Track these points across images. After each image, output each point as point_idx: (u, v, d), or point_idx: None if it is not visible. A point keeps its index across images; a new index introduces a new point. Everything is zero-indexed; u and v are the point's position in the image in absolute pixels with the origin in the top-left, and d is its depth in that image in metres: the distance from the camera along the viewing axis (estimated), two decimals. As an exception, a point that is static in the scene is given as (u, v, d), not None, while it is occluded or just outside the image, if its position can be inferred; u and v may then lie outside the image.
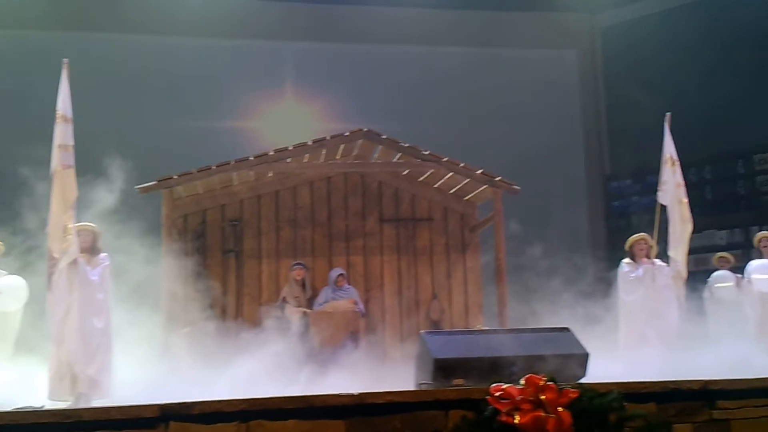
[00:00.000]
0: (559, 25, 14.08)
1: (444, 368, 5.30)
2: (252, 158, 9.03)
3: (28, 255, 6.89)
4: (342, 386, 5.75)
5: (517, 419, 4.32)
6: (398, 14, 13.30)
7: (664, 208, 7.92)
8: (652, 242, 7.93)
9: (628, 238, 8.10)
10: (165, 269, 8.14)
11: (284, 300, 9.10)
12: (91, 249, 6.37)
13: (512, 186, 9.40)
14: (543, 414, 4.33)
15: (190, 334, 8.00)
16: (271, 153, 9.11)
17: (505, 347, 5.39)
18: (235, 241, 9.62)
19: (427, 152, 9.32)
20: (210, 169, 8.92)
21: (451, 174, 9.55)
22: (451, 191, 10.10)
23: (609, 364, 6.39)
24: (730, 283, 9.19)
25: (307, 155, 9.45)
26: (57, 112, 6.02)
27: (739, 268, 9.13)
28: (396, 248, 10.00)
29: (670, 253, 7.80)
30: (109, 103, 11.26)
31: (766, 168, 13.20)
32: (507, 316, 8.92)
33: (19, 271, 7.12)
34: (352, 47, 13.21)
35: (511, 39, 13.70)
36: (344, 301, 9.09)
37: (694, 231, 7.91)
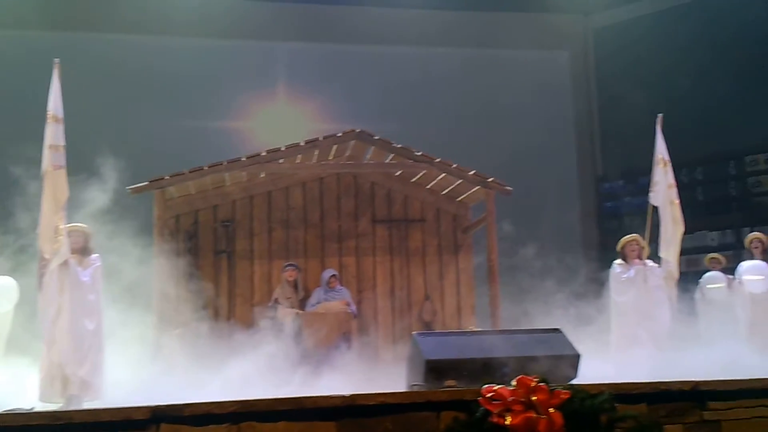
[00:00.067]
0: (552, 26, 14.10)
1: (436, 369, 5.30)
2: (244, 159, 9.03)
3: (19, 255, 6.85)
4: (334, 387, 5.76)
5: (508, 420, 4.32)
6: (390, 15, 13.31)
7: (655, 209, 7.94)
8: (644, 243, 7.94)
9: (619, 239, 8.09)
10: (157, 270, 8.12)
11: (276, 301, 9.08)
12: (82, 250, 6.34)
13: (504, 187, 9.41)
14: (534, 415, 4.34)
15: (182, 335, 7.98)
16: (264, 153, 9.10)
17: (497, 348, 5.39)
18: (227, 241, 9.60)
19: (419, 153, 9.32)
20: (202, 169, 8.90)
21: (443, 175, 9.55)
22: (444, 192, 10.11)
23: (601, 365, 6.41)
24: (722, 284, 9.21)
25: (299, 156, 9.45)
26: (48, 113, 5.99)
27: (730, 269, 9.15)
28: (388, 249, 10.00)
29: (662, 254, 7.81)
30: (102, 103, 11.24)
31: (758, 169, 13.26)
32: (499, 316, 8.93)
33: (10, 272, 7.07)
34: (344, 48, 13.22)
35: (504, 40, 13.71)
36: (336, 302, 9.08)
37: (686, 232, 7.92)
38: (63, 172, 5.95)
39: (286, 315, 8.82)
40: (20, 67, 11.42)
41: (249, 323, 8.68)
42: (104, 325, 6.25)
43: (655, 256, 7.95)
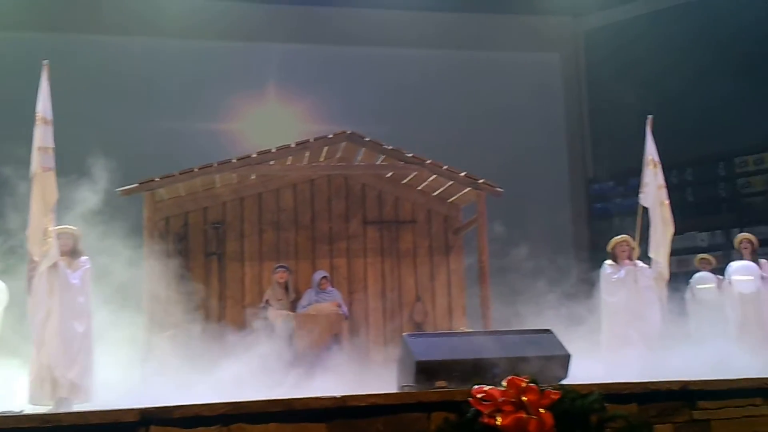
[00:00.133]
0: (543, 29, 14.14)
1: (426, 370, 5.30)
2: (235, 160, 9.00)
3: (9, 257, 6.82)
4: (325, 389, 5.75)
5: (499, 421, 4.33)
6: (383, 17, 13.32)
7: (645, 210, 7.97)
8: (634, 244, 7.97)
9: (610, 239, 8.13)
10: (147, 272, 8.10)
11: (267, 303, 9.06)
12: (71, 252, 6.32)
13: (495, 188, 9.42)
14: (525, 415, 4.34)
15: (173, 336, 7.95)
16: (254, 155, 9.08)
17: (487, 349, 5.39)
18: (217, 243, 9.58)
19: (410, 155, 9.33)
20: (192, 171, 8.88)
21: (434, 176, 9.56)
22: (435, 194, 10.11)
23: (591, 365, 6.42)
24: (712, 285, 9.27)
25: (290, 157, 9.44)
26: (37, 114, 5.97)
27: (720, 270, 9.19)
28: (379, 251, 9.99)
29: (652, 254, 7.84)
30: (92, 105, 11.21)
31: (747, 170, 13.33)
32: (490, 317, 8.93)
33: (-1, 274, 7.06)
34: (336, 49, 13.21)
35: (495, 42, 13.75)
36: (328, 303, 9.07)
37: (676, 233, 7.96)
38: (52, 174, 5.93)
39: (277, 317, 8.80)
40: (8, 68, 11.37)
41: (240, 325, 8.66)
42: (94, 327, 6.23)
43: (645, 257, 7.98)
